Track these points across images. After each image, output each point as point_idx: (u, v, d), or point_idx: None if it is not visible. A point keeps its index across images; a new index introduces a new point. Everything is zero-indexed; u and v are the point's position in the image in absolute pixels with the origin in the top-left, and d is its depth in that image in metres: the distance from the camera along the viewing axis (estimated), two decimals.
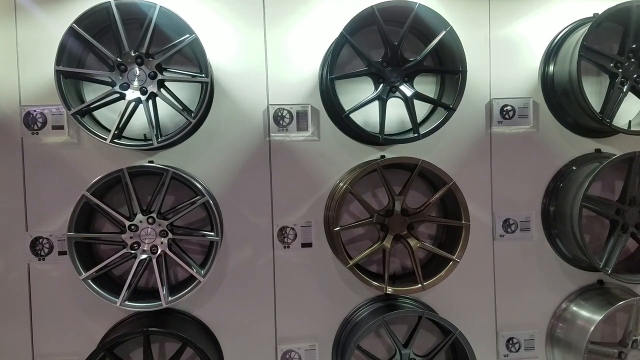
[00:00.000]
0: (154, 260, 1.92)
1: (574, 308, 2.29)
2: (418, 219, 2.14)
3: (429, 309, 2.28)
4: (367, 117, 2.17)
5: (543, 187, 2.33)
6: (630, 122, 2.17)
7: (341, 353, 2.16)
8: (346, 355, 2.06)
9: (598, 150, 2.29)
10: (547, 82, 2.27)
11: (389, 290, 2.09)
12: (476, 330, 2.31)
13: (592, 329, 2.11)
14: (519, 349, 2.33)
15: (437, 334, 2.30)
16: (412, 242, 2.13)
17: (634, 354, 2.16)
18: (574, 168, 2.27)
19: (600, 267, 2.12)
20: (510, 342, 2.33)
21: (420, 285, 2.09)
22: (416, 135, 2.06)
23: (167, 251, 1.94)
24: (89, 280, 1.89)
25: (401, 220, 2.13)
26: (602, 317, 2.11)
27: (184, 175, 1.95)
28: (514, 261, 2.34)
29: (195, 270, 1.95)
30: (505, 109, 2.29)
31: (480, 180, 2.31)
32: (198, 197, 1.96)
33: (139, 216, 1.93)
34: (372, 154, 2.25)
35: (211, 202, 1.96)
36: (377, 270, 2.30)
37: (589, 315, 2.19)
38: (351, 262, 2.06)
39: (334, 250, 2.20)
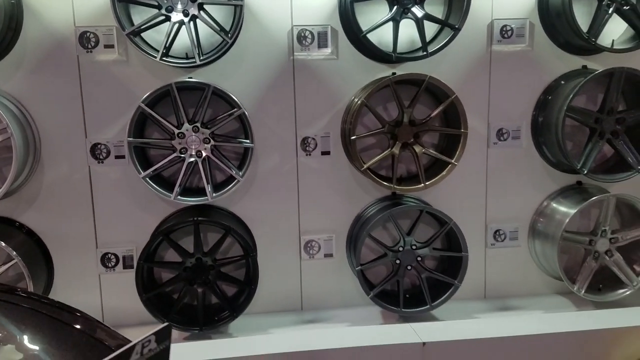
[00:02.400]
0: (200, 163, 2.27)
1: (554, 205, 2.68)
2: (423, 128, 2.47)
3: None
4: (380, 37, 2.43)
5: (534, 100, 2.64)
6: (613, 41, 2.44)
7: (354, 241, 2.57)
8: (359, 241, 2.47)
9: (585, 67, 2.58)
10: (543, 5, 2.51)
11: (397, 188, 2.47)
12: (469, 223, 2.70)
13: (567, 220, 2.51)
14: (505, 239, 2.75)
15: (435, 227, 2.70)
16: (418, 148, 2.47)
17: (602, 242, 2.57)
18: (562, 82, 2.57)
19: (579, 167, 2.48)
20: (497, 233, 2.74)
21: (423, 184, 2.47)
22: (425, 53, 2.34)
23: (210, 155, 2.29)
24: (147, 179, 2.24)
25: (409, 130, 2.46)
26: (577, 209, 2.50)
27: (223, 90, 2.25)
28: (504, 165, 2.69)
29: (234, 172, 2.30)
30: (504, 29, 2.54)
31: (479, 94, 2.61)
32: (235, 109, 2.27)
33: (186, 125, 2.26)
34: (385, 71, 2.53)
35: (246, 113, 2.28)
36: (386, 174, 2.65)
37: (565, 210, 2.58)
38: (365, 166, 2.41)
39: (349, 157, 2.55)
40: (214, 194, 2.29)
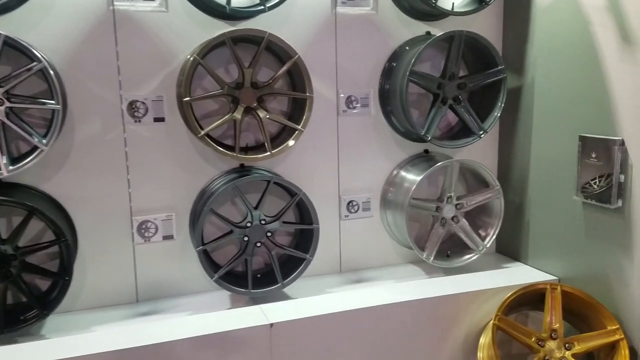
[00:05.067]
0: None
1: (403, 173, 2.65)
2: (267, 91, 2.27)
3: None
4: None
5: (380, 67, 2.57)
6: (453, 4, 2.44)
7: (198, 218, 2.30)
8: (200, 219, 2.22)
9: (428, 33, 2.57)
10: None
11: (240, 158, 2.25)
12: (322, 195, 2.58)
13: (414, 187, 2.48)
14: (358, 210, 2.67)
15: (287, 200, 2.53)
16: (262, 113, 2.27)
17: (448, 208, 2.58)
18: (406, 48, 2.53)
19: (422, 134, 2.46)
20: (350, 204, 2.65)
21: (269, 152, 2.28)
22: (263, 7, 2.14)
23: (5, 120, 1.87)
24: None
25: (251, 93, 2.25)
26: (422, 176, 2.48)
27: (17, 39, 1.84)
28: (355, 134, 2.60)
29: (37, 140, 1.91)
30: None
31: (326, 59, 2.48)
32: (35, 63, 1.88)
33: None
34: (224, 28, 2.29)
35: (50, 69, 1.89)
36: (233, 143, 2.43)
37: (413, 177, 2.56)
38: (202, 132, 2.16)
39: (186, 123, 2.27)
40: (10, 167, 1.88)
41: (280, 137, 2.44)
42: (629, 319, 2.14)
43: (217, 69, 2.31)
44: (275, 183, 2.33)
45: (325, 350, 2.19)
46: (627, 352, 2.08)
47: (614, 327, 2.13)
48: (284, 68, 2.23)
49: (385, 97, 2.58)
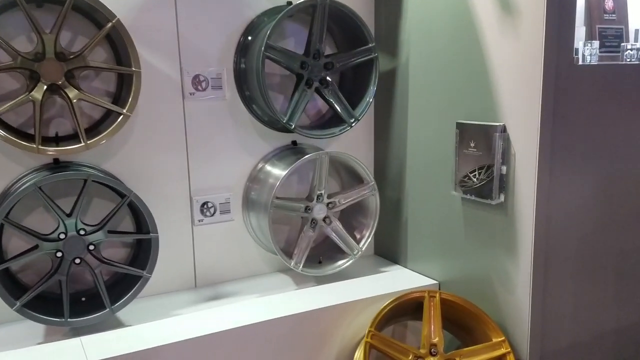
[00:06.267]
0: None
1: (268, 168, 2.26)
2: (77, 64, 1.76)
3: (115, 179, 1.99)
4: None
5: (235, 42, 2.16)
6: None
7: None
8: None
9: (289, 3, 2.18)
10: None
11: (44, 150, 1.74)
12: (168, 196, 2.13)
13: (277, 184, 2.10)
14: (215, 212, 2.24)
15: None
16: (72, 93, 1.77)
17: (319, 207, 2.23)
18: (265, 19, 2.14)
19: (285, 121, 2.08)
20: (205, 206, 2.21)
21: (83, 143, 1.78)
22: None
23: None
24: None
25: (56, 67, 1.73)
26: (287, 171, 2.11)
27: None
28: (207, 122, 2.17)
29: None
30: None
31: (165, 29, 2.02)
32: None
33: None
34: None
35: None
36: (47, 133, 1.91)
37: (278, 172, 2.18)
38: None
39: None
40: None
41: (105, 124, 1.95)
42: (515, 329, 1.90)
43: (17, 37, 1.78)
44: (96, 182, 1.84)
45: None
46: None
47: (499, 340, 1.89)
48: (101, 34, 1.74)
49: (243, 79, 2.17)
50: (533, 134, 1.78)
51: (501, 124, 1.85)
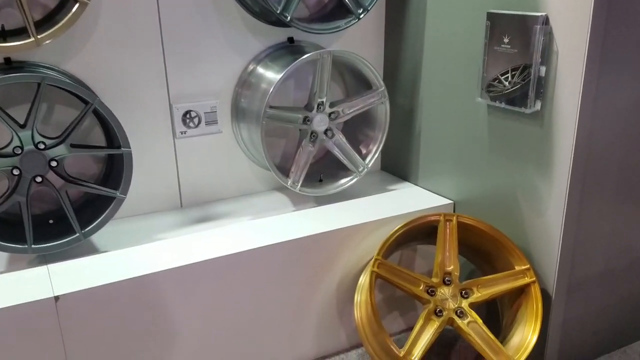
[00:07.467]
0: None
1: (260, 70, 1.93)
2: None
3: (81, 84, 1.68)
4: None
5: None
6: None
7: None
8: None
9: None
10: None
11: None
12: (144, 104, 1.82)
13: (271, 90, 1.79)
14: (199, 123, 1.94)
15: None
16: None
17: (319, 118, 1.93)
18: None
19: (278, 12, 1.72)
20: (188, 116, 1.91)
21: (33, 38, 1.45)
22: None
23: None
24: None
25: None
26: (282, 75, 1.78)
27: None
28: (186, 14, 1.81)
29: None
30: None
31: None
32: None
33: None
34: None
35: None
36: None
37: (271, 76, 1.85)
38: None
39: None
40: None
41: (60, 14, 1.59)
42: (541, 256, 1.68)
43: None
44: (52, 86, 1.52)
45: (149, 323, 1.56)
46: (539, 297, 1.63)
47: (524, 268, 1.67)
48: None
49: None
50: (582, 28, 1.44)
51: (543, 14, 1.51)
